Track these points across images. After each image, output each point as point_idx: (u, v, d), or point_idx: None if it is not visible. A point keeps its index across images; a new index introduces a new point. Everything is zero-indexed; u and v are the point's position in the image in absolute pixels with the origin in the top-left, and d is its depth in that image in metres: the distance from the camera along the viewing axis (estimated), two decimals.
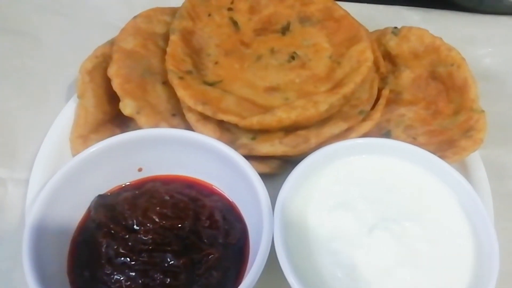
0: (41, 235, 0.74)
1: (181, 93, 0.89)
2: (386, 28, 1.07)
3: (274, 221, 0.75)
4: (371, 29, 1.06)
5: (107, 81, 0.92)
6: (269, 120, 0.86)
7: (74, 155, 0.91)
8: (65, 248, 0.78)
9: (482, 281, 0.72)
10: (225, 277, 0.75)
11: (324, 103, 0.88)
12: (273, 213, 0.76)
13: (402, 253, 0.76)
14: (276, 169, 0.91)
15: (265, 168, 0.90)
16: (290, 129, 0.89)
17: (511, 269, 0.79)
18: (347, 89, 0.91)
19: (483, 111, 0.93)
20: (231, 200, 0.86)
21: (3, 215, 0.91)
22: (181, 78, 0.91)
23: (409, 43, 1.03)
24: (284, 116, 0.86)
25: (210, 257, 0.75)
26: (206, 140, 0.83)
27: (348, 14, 1.03)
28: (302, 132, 0.89)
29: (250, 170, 0.79)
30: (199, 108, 0.87)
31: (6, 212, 0.91)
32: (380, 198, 0.81)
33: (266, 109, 0.89)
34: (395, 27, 1.06)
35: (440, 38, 1.01)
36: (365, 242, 0.76)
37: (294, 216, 0.78)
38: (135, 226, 0.77)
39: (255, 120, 0.86)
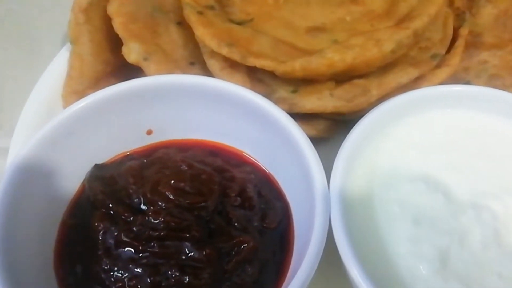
0: (16, 217, 0.62)
1: (200, 31, 0.77)
2: None
3: (330, 199, 0.63)
4: None
5: (108, 22, 0.83)
6: (316, 64, 0.74)
7: None
8: (52, 235, 0.68)
9: None
10: (263, 273, 0.65)
11: (389, 41, 0.75)
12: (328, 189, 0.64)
13: (508, 242, 0.61)
14: (325, 132, 0.81)
15: (310, 130, 0.79)
16: (343, 78, 0.78)
17: None
18: (418, 22, 0.78)
19: None
20: (268, 171, 0.75)
21: None
22: (200, 13, 0.80)
23: None
24: (336, 58, 0.74)
25: (242, 246, 0.65)
26: (236, 90, 0.71)
27: None
28: (359, 82, 0.78)
29: (295, 130, 0.67)
30: (224, 51, 0.76)
31: None
32: (472, 166, 0.68)
33: (310, 54, 0.77)
34: None
35: None
36: (456, 226, 0.63)
37: (356, 193, 0.67)
38: (142, 206, 0.67)
39: (297, 65, 0.74)
